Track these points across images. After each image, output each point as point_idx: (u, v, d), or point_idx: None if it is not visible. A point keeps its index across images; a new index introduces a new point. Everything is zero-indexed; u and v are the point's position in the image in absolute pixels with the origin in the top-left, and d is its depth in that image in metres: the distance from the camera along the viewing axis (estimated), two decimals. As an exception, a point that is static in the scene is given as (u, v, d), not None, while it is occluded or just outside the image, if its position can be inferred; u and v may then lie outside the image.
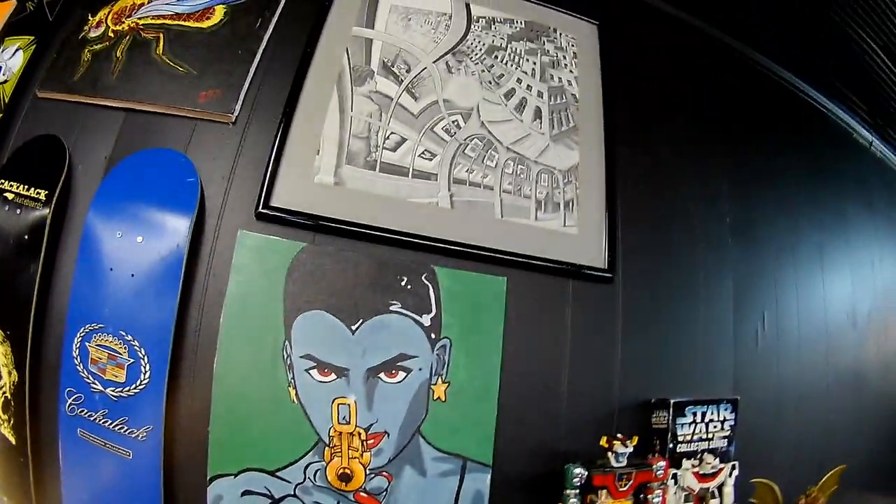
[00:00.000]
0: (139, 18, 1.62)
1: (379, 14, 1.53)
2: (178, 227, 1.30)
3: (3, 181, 1.61)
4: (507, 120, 1.50)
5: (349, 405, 1.17)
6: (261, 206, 1.29)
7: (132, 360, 1.21)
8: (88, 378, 1.21)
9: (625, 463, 1.31)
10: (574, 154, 1.50)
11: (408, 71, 1.49)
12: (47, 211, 1.48)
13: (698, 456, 1.48)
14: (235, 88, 1.43)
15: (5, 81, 1.78)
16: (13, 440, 1.31)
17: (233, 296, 1.23)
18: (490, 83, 1.51)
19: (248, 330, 1.21)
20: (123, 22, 1.63)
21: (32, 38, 1.79)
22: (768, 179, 1.87)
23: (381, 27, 1.52)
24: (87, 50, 1.64)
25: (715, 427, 1.51)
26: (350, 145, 1.35)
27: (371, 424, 1.17)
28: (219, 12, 1.56)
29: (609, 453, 1.32)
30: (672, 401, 1.44)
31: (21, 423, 1.27)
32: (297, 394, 1.16)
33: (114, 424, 1.20)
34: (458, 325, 1.25)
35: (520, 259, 1.40)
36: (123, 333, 1.21)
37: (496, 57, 1.54)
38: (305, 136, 1.35)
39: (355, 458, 1.16)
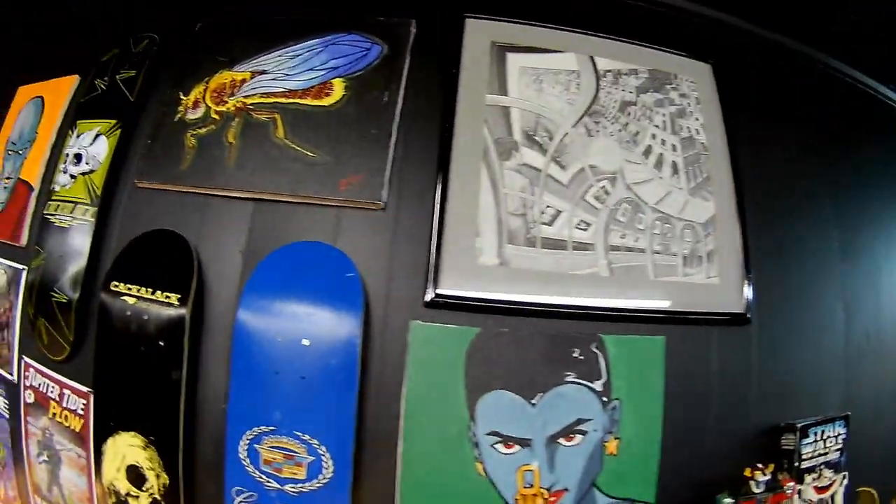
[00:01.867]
0: (245, 98, 1.46)
1: (509, 78, 1.42)
2: (347, 326, 1.24)
3: (117, 283, 1.44)
4: (649, 179, 1.42)
5: (533, 471, 1.19)
6: (430, 295, 1.24)
7: (312, 458, 1.20)
8: (261, 477, 1.22)
9: (763, 489, 1.37)
10: (710, 205, 1.45)
11: (550, 139, 1.39)
12: (184, 314, 1.34)
13: (817, 470, 1.52)
14: (378, 172, 1.30)
15: (92, 171, 1.59)
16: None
17: (413, 385, 1.22)
18: (628, 142, 1.43)
19: (432, 417, 1.21)
20: (227, 102, 1.47)
21: (115, 121, 1.60)
22: (870, 201, 1.88)
23: (515, 93, 1.41)
24: (189, 135, 1.47)
25: (831, 443, 1.54)
26: (508, 223, 1.28)
27: (552, 484, 1.20)
28: (338, 87, 1.41)
29: (751, 482, 1.36)
30: (799, 425, 1.48)
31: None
32: (483, 467, 1.18)
33: None
34: (626, 386, 1.27)
35: (673, 316, 1.37)
36: (300, 434, 1.20)
37: (629, 113, 1.45)
38: (462, 219, 1.27)
39: None
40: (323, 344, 1.22)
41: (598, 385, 1.23)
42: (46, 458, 1.73)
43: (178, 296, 1.37)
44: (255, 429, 1.24)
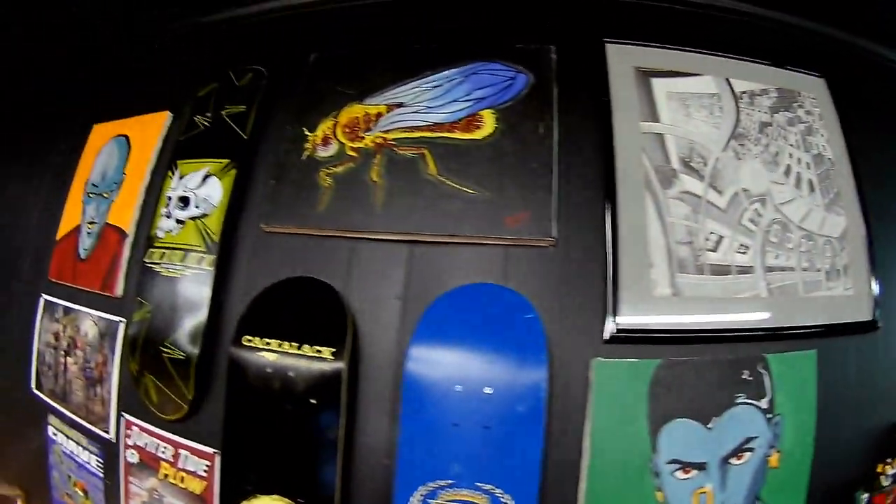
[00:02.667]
0: (385, 132, 1.35)
1: (658, 104, 1.35)
2: (532, 370, 1.16)
3: (251, 338, 1.31)
4: (792, 199, 1.38)
5: (707, 493, 1.19)
6: (611, 331, 1.19)
7: None
8: None
9: (891, 481, 1.39)
10: (842, 220, 1.42)
11: (705, 164, 1.32)
12: (340, 368, 1.22)
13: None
14: (545, 207, 1.22)
15: (205, 215, 1.45)
16: None
17: (598, 423, 1.17)
18: (770, 163, 1.38)
19: (616, 452, 1.18)
20: (363, 137, 1.36)
21: (227, 161, 1.47)
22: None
23: (667, 119, 1.34)
24: (323, 174, 1.36)
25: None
26: (677, 253, 1.24)
27: (723, 503, 1.19)
28: (488, 119, 1.32)
29: (881, 476, 1.39)
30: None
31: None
32: (664, 495, 1.17)
33: None
34: (787, 401, 1.27)
35: (822, 329, 1.34)
36: (481, 485, 1.14)
37: (767, 134, 1.41)
38: (635, 250, 1.22)
39: None
40: (507, 390, 1.15)
41: (763, 403, 1.22)
42: (153, 526, 1.56)
43: (332, 349, 1.24)
44: (430, 484, 1.16)
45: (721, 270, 1.25)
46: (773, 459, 1.24)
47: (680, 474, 1.18)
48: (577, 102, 1.34)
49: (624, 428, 1.17)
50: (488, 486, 1.14)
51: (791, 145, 1.43)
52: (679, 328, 1.21)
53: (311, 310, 1.30)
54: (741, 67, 1.47)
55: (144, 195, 1.64)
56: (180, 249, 1.47)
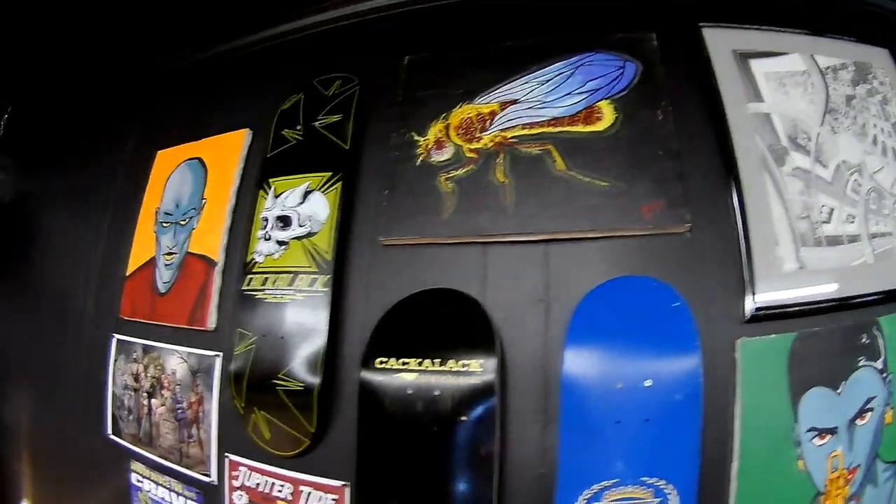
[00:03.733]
0: (504, 131, 1.26)
1: (759, 85, 1.31)
2: (687, 357, 1.11)
3: (384, 359, 1.20)
4: (882, 167, 1.34)
5: (838, 456, 1.17)
6: (750, 310, 1.15)
7: (659, 500, 1.09)
8: None
9: None
10: None
11: (809, 140, 1.28)
12: (492, 381, 1.12)
13: None
14: (677, 194, 1.16)
15: (311, 234, 1.34)
16: None
17: (746, 402, 1.15)
18: (860, 134, 1.35)
19: (764, 428, 1.15)
20: (480, 138, 1.27)
21: (328, 174, 1.36)
22: None
23: (770, 99, 1.30)
24: (443, 179, 1.26)
25: None
26: (798, 228, 1.21)
27: (850, 463, 1.18)
28: (607, 110, 1.24)
29: None
30: None
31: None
32: (804, 463, 1.15)
33: None
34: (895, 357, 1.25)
35: None
36: (646, 479, 1.09)
37: (853, 106, 1.38)
38: (762, 230, 1.18)
39: (839, 495, 1.16)
40: (665, 381, 1.11)
41: (879, 364, 1.21)
42: (271, 571, 1.42)
43: (480, 361, 1.14)
44: (595, 486, 1.10)
45: (835, 241, 1.24)
46: (888, 416, 1.24)
47: (817, 441, 1.17)
48: (685, 88, 1.28)
49: (769, 403, 1.15)
50: (652, 480, 1.09)
51: (873, 115, 1.41)
52: (807, 301, 1.19)
53: (448, 323, 1.20)
54: (820, 44, 1.44)
55: (231, 219, 1.51)
56: (287, 273, 1.35)
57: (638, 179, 1.18)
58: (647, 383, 1.10)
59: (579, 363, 1.12)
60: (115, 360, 1.73)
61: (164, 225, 1.65)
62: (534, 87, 1.29)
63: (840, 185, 1.28)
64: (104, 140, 1.96)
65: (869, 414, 1.20)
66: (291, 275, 1.35)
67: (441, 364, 1.17)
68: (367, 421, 1.23)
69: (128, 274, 1.71)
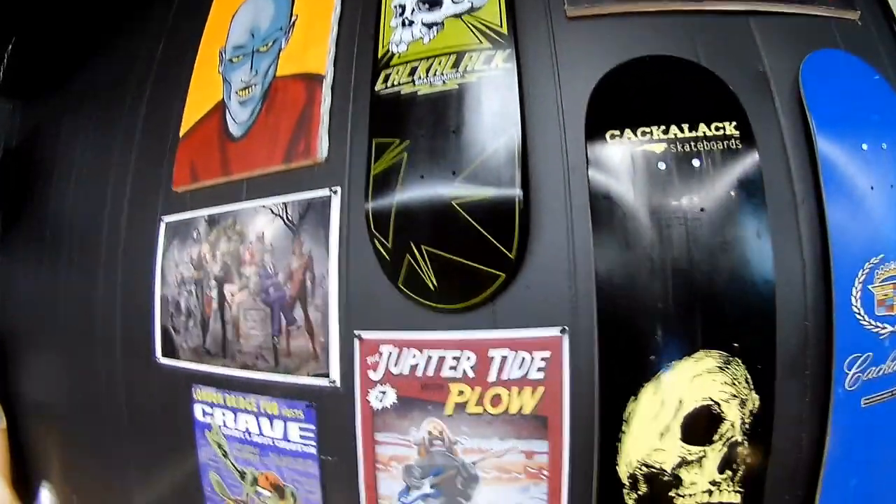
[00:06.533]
0: None
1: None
2: None
3: (616, 132, 0.78)
4: None
5: None
6: None
7: None
8: (877, 326, 0.86)
9: None
10: None
11: None
12: (754, 144, 0.73)
13: None
14: None
15: (473, 8, 0.91)
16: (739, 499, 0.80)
17: None
18: None
19: None
20: None
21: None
22: None
23: None
24: None
25: None
26: None
27: None
28: None
29: None
30: None
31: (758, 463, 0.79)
32: None
33: None
34: None
35: None
36: None
37: None
38: None
39: None
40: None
41: None
42: (430, 490, 0.91)
43: (735, 123, 0.76)
44: (866, 265, 0.84)
45: None
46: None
47: None
48: None
49: None
50: None
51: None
52: None
53: (680, 90, 0.81)
54: None
55: (338, 29, 1.06)
56: (447, 54, 0.91)
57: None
58: (884, 146, 0.87)
59: (826, 127, 0.84)
60: (166, 252, 1.17)
61: (234, 60, 1.16)
62: None
63: None
64: (119, 53, 1.45)
65: None
66: (455, 55, 0.91)
67: (692, 129, 0.76)
68: (604, 218, 0.78)
69: (181, 136, 1.19)
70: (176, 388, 1.16)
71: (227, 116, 1.12)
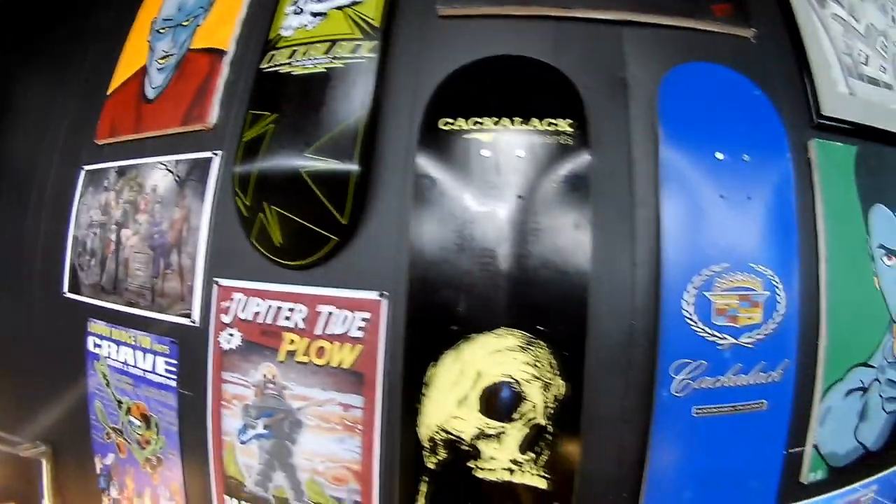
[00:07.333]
0: None
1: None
2: (774, 138, 0.95)
3: (452, 120, 0.87)
4: None
5: None
6: (816, 117, 1.03)
7: (768, 293, 0.89)
8: (714, 336, 0.87)
9: None
10: None
11: None
12: (587, 139, 0.82)
13: None
14: (743, 2, 1.03)
15: (356, 2, 1.01)
16: (545, 485, 0.83)
17: (827, 203, 0.99)
18: (881, 10, 1.23)
19: (843, 233, 1.00)
20: None
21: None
22: None
23: None
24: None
25: None
26: (844, 61, 1.10)
27: None
28: None
29: None
30: None
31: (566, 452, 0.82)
32: (878, 281, 1.03)
33: (750, 377, 0.88)
34: None
35: None
36: (753, 265, 0.89)
37: None
38: (816, 52, 1.07)
39: None
40: (760, 159, 0.93)
41: None
42: (263, 431, 0.99)
43: (570, 122, 0.83)
44: (704, 272, 0.86)
45: (874, 82, 1.13)
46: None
47: (886, 260, 1.05)
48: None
49: (846, 208, 1.02)
50: (760, 267, 0.88)
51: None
52: (863, 123, 1.07)
53: (526, 87, 0.88)
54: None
55: (248, 9, 1.16)
56: (323, 41, 1.01)
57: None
58: (746, 158, 0.90)
59: (675, 135, 0.88)
60: (82, 197, 1.28)
61: (162, 31, 1.27)
62: None
63: (871, 40, 1.19)
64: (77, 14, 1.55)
65: (929, 254, 1.09)
66: (329, 43, 1.01)
67: (523, 123, 0.83)
68: (424, 195, 0.87)
69: (108, 93, 1.30)
70: (76, 320, 1.26)
71: (146, 80, 1.23)
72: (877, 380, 1.03)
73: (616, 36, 0.98)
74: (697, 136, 0.90)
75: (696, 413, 0.86)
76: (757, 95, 0.95)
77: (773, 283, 0.88)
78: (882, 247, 1.04)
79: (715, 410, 0.87)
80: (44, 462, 1.34)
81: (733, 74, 0.96)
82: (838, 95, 1.06)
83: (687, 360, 0.85)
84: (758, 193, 0.88)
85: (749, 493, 0.93)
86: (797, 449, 0.96)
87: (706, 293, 0.85)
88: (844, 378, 0.99)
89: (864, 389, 1.02)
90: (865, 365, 1.01)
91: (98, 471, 1.28)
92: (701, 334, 0.85)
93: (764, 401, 0.89)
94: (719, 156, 0.88)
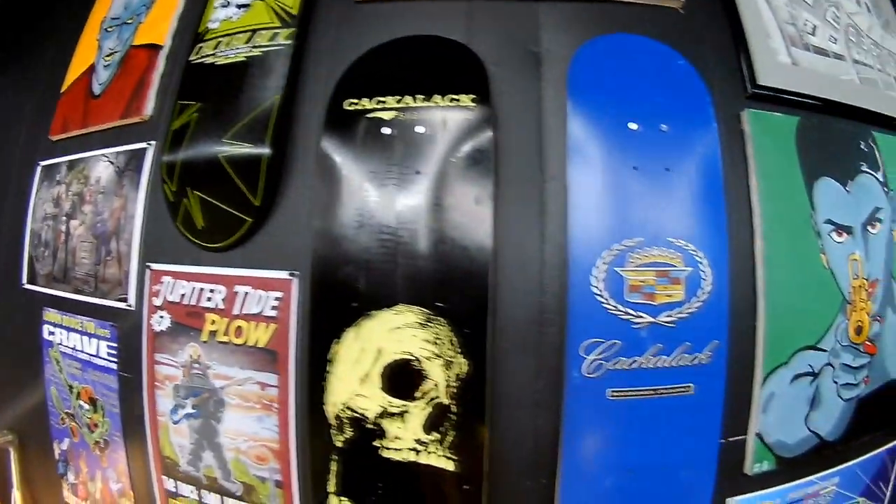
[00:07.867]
0: None
1: None
2: (698, 107, 0.92)
3: (356, 101, 0.87)
4: (858, 12, 1.21)
5: (858, 260, 1.01)
6: (751, 88, 1.00)
7: (690, 269, 0.84)
8: (628, 314, 0.82)
9: None
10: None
11: None
12: (489, 114, 0.85)
13: None
14: None
15: None
16: (452, 466, 0.81)
17: (762, 177, 0.94)
18: None
19: (782, 208, 0.95)
20: None
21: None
22: None
23: None
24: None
25: None
26: (786, 30, 1.07)
27: (869, 274, 1.02)
28: None
29: None
30: None
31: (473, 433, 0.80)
32: (826, 259, 0.98)
33: (672, 359, 0.83)
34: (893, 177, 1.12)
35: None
36: (672, 240, 0.84)
37: None
38: (754, 21, 1.04)
39: (863, 309, 1.00)
40: (681, 130, 0.89)
41: (879, 175, 1.07)
42: (192, 410, 1.01)
43: (473, 96, 0.83)
44: (615, 247, 0.83)
45: (822, 52, 1.10)
46: (896, 234, 1.11)
47: (835, 236, 1.00)
48: None
49: (785, 181, 0.97)
50: (681, 242, 0.84)
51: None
52: (805, 93, 1.04)
53: (433, 65, 0.89)
54: None
55: (185, 5, 1.19)
56: (244, 32, 1.03)
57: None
58: (664, 128, 0.86)
59: (584, 106, 0.87)
60: (38, 191, 1.33)
61: (109, 30, 1.31)
62: None
63: (820, 10, 1.15)
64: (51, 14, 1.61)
65: (879, 224, 1.06)
66: (249, 33, 1.03)
67: (426, 99, 0.84)
68: (331, 180, 0.88)
69: (62, 91, 1.34)
70: (33, 310, 1.30)
71: (94, 77, 1.27)
72: (829, 364, 0.97)
73: (532, 12, 0.98)
74: (607, 107, 0.88)
75: (612, 396, 0.82)
76: (681, 65, 0.92)
77: (697, 258, 0.84)
78: (830, 222, 0.99)
79: (633, 393, 0.83)
80: (11, 451, 1.39)
81: (655, 45, 0.94)
82: (778, 65, 1.03)
83: (598, 340, 0.81)
84: (678, 165, 0.85)
85: (681, 483, 0.88)
86: (736, 437, 0.91)
87: (618, 269, 0.81)
88: (789, 362, 0.93)
89: (815, 375, 0.96)
90: (814, 348, 0.96)
91: (56, 456, 1.32)
92: (613, 312, 0.81)
93: (690, 384, 0.85)
94: (633, 126, 0.85)
